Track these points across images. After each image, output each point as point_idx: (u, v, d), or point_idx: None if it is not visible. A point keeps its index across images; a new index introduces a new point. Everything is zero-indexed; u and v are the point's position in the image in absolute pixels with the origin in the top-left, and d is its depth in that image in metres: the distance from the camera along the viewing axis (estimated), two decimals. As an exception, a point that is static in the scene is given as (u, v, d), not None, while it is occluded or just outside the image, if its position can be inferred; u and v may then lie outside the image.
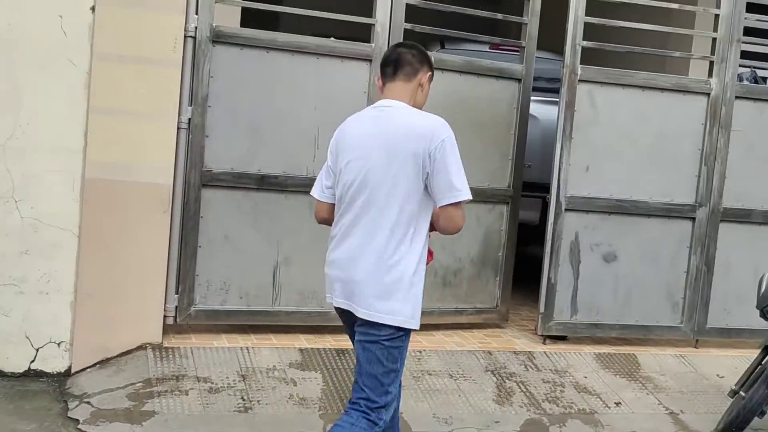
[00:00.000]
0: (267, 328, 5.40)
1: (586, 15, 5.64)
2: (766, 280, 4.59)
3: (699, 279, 6.02)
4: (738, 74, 6.08)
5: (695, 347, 6.10)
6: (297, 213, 5.28)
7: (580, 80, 5.67)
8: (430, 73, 3.50)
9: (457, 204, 3.29)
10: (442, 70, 5.44)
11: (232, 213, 5.19)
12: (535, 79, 6.12)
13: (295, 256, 5.34)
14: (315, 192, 3.58)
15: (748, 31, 6.04)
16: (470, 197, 3.32)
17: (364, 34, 5.43)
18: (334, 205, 3.48)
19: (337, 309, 3.49)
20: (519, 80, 5.78)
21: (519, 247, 6.05)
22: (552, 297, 5.76)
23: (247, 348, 5.14)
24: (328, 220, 3.55)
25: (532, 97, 5.95)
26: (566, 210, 5.72)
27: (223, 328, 5.38)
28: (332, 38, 5.33)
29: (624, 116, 5.81)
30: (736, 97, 5.97)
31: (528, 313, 6.48)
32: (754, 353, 4.85)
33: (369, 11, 5.38)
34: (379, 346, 3.31)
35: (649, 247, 5.94)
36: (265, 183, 5.22)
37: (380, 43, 5.36)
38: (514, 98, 5.79)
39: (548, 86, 6.61)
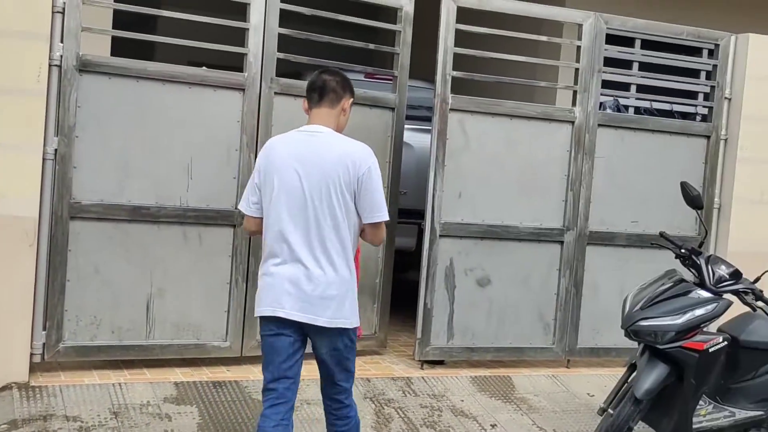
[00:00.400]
0: (141, 363, 5.28)
1: (457, 46, 5.76)
2: (629, 301, 4.72)
3: (569, 300, 6.18)
4: (601, 103, 6.31)
5: (567, 367, 6.26)
6: (171, 243, 5.21)
7: (451, 109, 5.77)
8: (352, 99, 3.86)
9: (380, 223, 3.73)
10: None
11: (102, 245, 5.07)
12: (412, 107, 6.22)
13: (169, 287, 5.25)
14: (243, 207, 3.84)
15: (609, 62, 6.27)
16: (388, 218, 3.76)
17: (242, 62, 5.39)
18: (261, 218, 3.76)
19: (276, 319, 3.67)
20: (393, 109, 5.85)
21: (396, 273, 6.10)
22: (428, 322, 5.82)
23: (120, 384, 5.00)
24: (256, 233, 3.85)
25: (407, 126, 6.02)
26: (441, 236, 5.80)
27: (94, 364, 5.22)
28: (204, 67, 5.29)
29: (494, 144, 5.94)
30: (599, 125, 6.17)
31: (406, 338, 6.53)
32: (621, 371, 4.98)
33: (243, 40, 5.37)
34: (344, 347, 3.73)
35: (521, 270, 6.07)
36: (136, 214, 5.12)
37: (253, 72, 5.35)
38: (389, 126, 5.86)
39: (424, 115, 6.69)
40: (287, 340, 3.70)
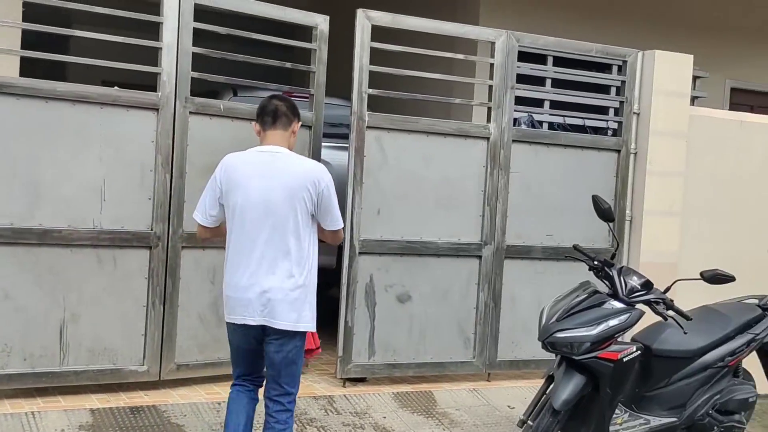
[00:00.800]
0: (55, 390, 5.13)
1: (372, 64, 5.78)
2: (546, 313, 4.77)
3: (488, 314, 6.22)
4: (516, 119, 6.41)
5: (488, 380, 6.31)
6: (84, 267, 5.11)
7: (368, 127, 5.79)
8: (300, 122, 4.27)
9: (338, 229, 4.20)
10: (233, 118, 5.48)
11: (12, 270, 4.93)
12: (330, 125, 6.19)
13: (83, 312, 5.14)
14: (199, 218, 4.17)
15: (522, 79, 6.36)
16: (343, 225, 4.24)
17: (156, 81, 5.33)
18: (215, 228, 4.16)
19: (240, 326, 4.03)
20: (309, 127, 5.82)
21: (319, 291, 6.00)
22: (350, 340, 5.81)
23: (33, 413, 4.85)
24: (209, 239, 4.34)
25: (325, 144, 6.01)
26: (360, 253, 5.80)
27: (6, 393, 5.05)
28: (116, 87, 5.21)
29: (411, 160, 5.97)
30: (514, 141, 6.25)
31: (328, 357, 6.48)
32: (540, 383, 5.00)
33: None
34: (295, 349, 4.06)
35: (441, 285, 6.10)
36: (48, 237, 5.00)
37: (167, 91, 5.30)
38: (306, 144, 5.82)
39: (342, 132, 6.67)
40: (254, 346, 4.08)
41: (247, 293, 3.99)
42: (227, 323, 4.15)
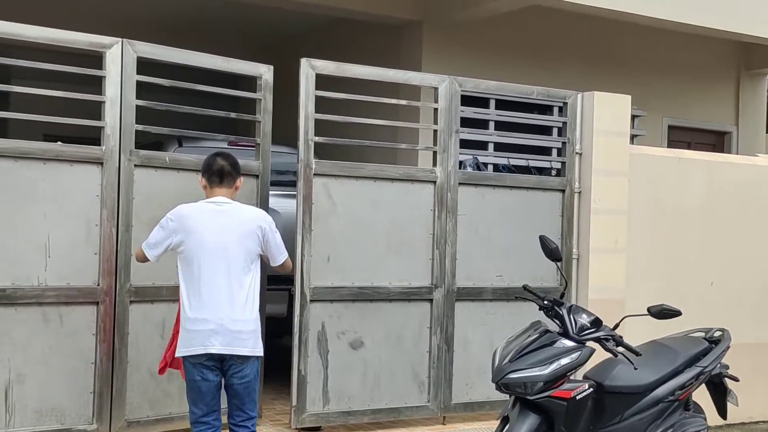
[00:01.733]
0: (1, 454, 4.96)
1: (318, 111, 5.80)
2: (498, 355, 4.77)
3: (441, 357, 6.19)
4: (461, 162, 6.42)
5: (443, 424, 6.24)
6: (29, 326, 4.99)
7: (315, 174, 5.77)
8: (242, 178, 4.82)
9: (286, 259, 4.80)
10: (178, 169, 5.44)
11: (-46, 332, 4.77)
12: (277, 172, 6.17)
13: (29, 372, 5.00)
14: (146, 250, 4.63)
15: (466, 122, 6.41)
16: (287, 255, 4.80)
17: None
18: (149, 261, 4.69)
19: (202, 356, 4.43)
20: (257, 176, 5.79)
21: (270, 340, 5.94)
22: (303, 388, 5.74)
23: (-22, 479, 4.68)
24: (144, 261, 4.74)
25: (273, 192, 5.97)
26: (311, 301, 5.75)
27: (-52, 460, 4.88)
28: (59, 142, 5.13)
29: (359, 206, 5.95)
30: (460, 183, 6.24)
31: (282, 406, 6.39)
32: (496, 424, 4.94)
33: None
34: (254, 374, 4.57)
35: (393, 330, 6.07)
36: None
37: (111, 145, 5.24)
38: (253, 193, 5.79)
39: (290, 179, 6.64)
40: (213, 378, 4.48)
41: (208, 325, 4.42)
42: (186, 361, 4.47)
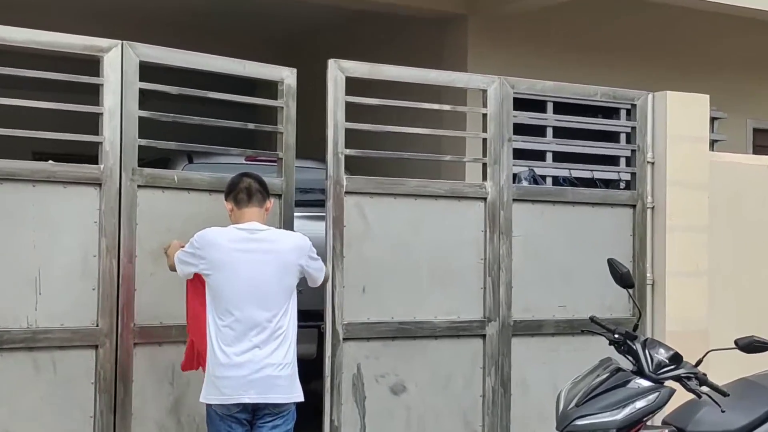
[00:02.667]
0: None
1: (349, 120, 5.62)
2: (563, 397, 4.61)
3: (496, 402, 5.99)
4: (515, 175, 6.25)
5: (500, 478, 6.00)
6: (18, 375, 4.78)
7: (346, 192, 5.60)
8: (272, 199, 4.82)
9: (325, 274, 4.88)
10: (189, 189, 5.30)
11: (-70, 383, 4.58)
12: (302, 191, 6.04)
13: (18, 428, 4.80)
14: (177, 265, 4.62)
15: (521, 129, 6.21)
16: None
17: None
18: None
19: (233, 406, 4.37)
20: (279, 195, 5.58)
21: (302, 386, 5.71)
22: (337, 441, 5.51)
23: None
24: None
25: (297, 214, 5.78)
26: (345, 339, 5.56)
27: None
28: (51, 161, 4.96)
29: (399, 228, 5.78)
30: (514, 200, 6.07)
31: (313, 461, 6.14)
32: None
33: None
34: (289, 424, 4.52)
35: (440, 371, 5.86)
36: None
37: (110, 163, 5.03)
38: (276, 216, 5.55)
39: (317, 198, 6.49)
40: (239, 429, 4.42)
41: (241, 371, 4.35)
42: (213, 410, 4.42)
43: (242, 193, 4.58)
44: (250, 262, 4.46)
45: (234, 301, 4.44)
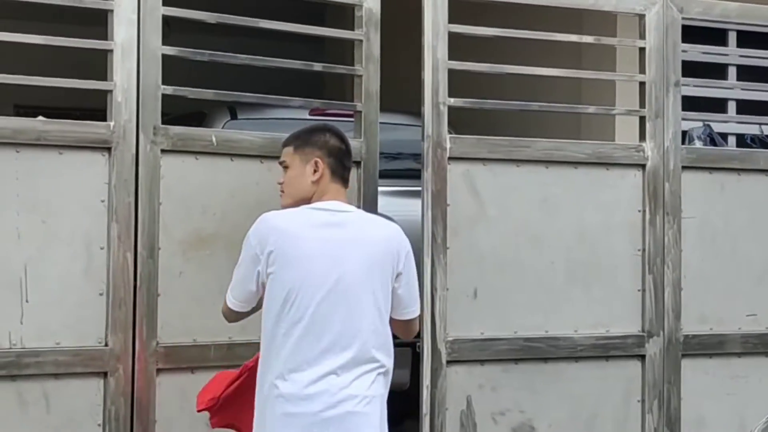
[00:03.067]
0: None
1: (452, 58, 5.30)
2: None
3: None
4: (685, 132, 6.08)
5: None
6: None
7: (450, 158, 5.28)
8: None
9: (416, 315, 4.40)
10: (232, 155, 5.01)
11: None
12: (390, 157, 5.92)
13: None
14: (231, 301, 4.24)
15: (691, 69, 5.93)
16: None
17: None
18: (248, 311, 4.30)
19: None
20: (357, 163, 5.26)
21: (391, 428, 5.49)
22: (440, 502, 5.24)
23: None
24: (235, 321, 4.38)
25: (383, 187, 5.55)
26: (449, 362, 5.24)
27: None
28: (41, 117, 4.65)
29: (523, 208, 5.49)
30: (684, 168, 5.78)
31: None
32: None
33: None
34: None
35: (583, 407, 5.55)
36: None
37: (123, 119, 4.69)
38: (353, 190, 5.23)
39: (408, 168, 6.50)
40: None
41: (312, 405, 4.06)
42: None
43: (335, 158, 4.28)
44: (332, 255, 4.14)
45: (308, 309, 4.11)
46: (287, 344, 4.14)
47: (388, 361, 4.23)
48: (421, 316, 5.01)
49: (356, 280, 4.16)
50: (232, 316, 4.36)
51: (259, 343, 4.60)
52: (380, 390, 4.20)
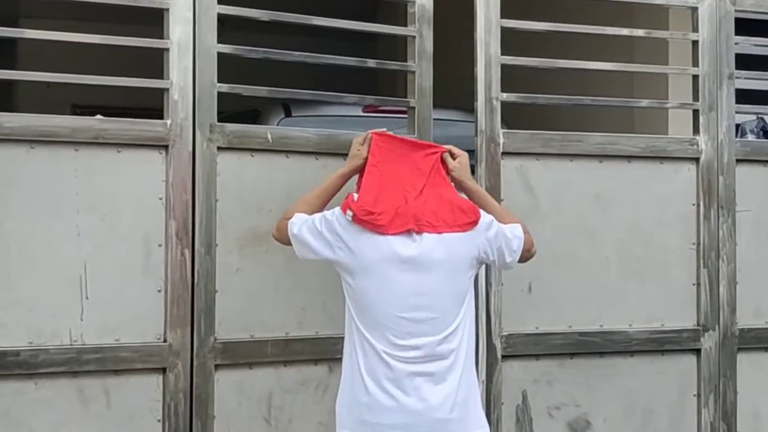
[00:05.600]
0: None
1: (504, 54, 5.24)
2: None
3: None
4: (738, 125, 5.97)
5: None
6: (59, 410, 4.44)
7: (504, 153, 5.23)
8: None
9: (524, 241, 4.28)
10: (287, 152, 4.95)
11: (-61, 421, 4.31)
12: None
13: (59, 481, 4.49)
14: (293, 225, 4.11)
15: (744, 62, 5.82)
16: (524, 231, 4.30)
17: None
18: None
19: None
20: None
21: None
22: (497, 496, 5.18)
23: None
24: (280, 240, 4.28)
25: None
26: (504, 357, 5.21)
27: None
28: (99, 116, 4.62)
29: (577, 202, 5.44)
30: (738, 161, 5.69)
31: None
32: None
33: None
34: None
35: (637, 401, 5.50)
36: None
37: (180, 117, 4.63)
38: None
39: None
40: None
41: (401, 416, 3.98)
42: None
43: None
44: (411, 261, 4.02)
45: (382, 305, 4.01)
46: (377, 353, 4.12)
47: (471, 361, 4.21)
48: (476, 312, 4.94)
49: (437, 281, 4.13)
50: (280, 232, 4.32)
51: (315, 340, 4.65)
52: (465, 396, 4.15)
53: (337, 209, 4.08)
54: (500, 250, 4.12)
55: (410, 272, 3.97)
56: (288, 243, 4.17)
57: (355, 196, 4.06)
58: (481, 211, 4.11)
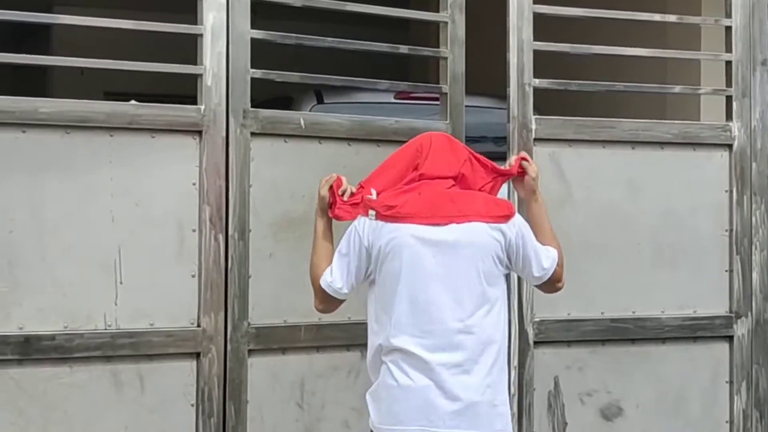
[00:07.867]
0: None
1: (536, 40, 5.17)
2: None
3: (749, 431, 5.58)
4: None
5: None
6: (93, 394, 4.41)
7: (536, 139, 5.19)
8: None
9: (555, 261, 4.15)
10: (320, 138, 4.92)
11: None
12: (472, 140, 5.60)
13: (90, 462, 4.47)
14: (327, 285, 3.97)
15: None
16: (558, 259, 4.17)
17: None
18: (340, 301, 4.05)
19: None
20: None
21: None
22: (529, 482, 5.14)
23: None
24: (327, 312, 4.15)
25: None
26: (536, 343, 5.17)
27: None
28: (133, 101, 4.58)
29: (609, 189, 5.40)
30: None
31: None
32: None
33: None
34: None
35: (669, 388, 5.44)
36: (32, 349, 4.29)
37: (213, 103, 4.59)
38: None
39: (491, 151, 6.26)
40: None
41: (428, 398, 3.89)
42: None
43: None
44: (437, 245, 3.96)
45: (411, 294, 3.94)
46: (393, 334, 4.05)
47: (503, 347, 4.09)
48: (508, 298, 4.83)
49: (461, 267, 4.04)
50: (322, 303, 4.18)
51: (347, 325, 4.57)
52: (492, 378, 4.05)
53: (357, 221, 3.98)
54: (527, 259, 4.01)
55: (435, 256, 3.88)
56: (338, 305, 4.06)
57: (373, 193, 4.01)
58: (516, 213, 4.03)
